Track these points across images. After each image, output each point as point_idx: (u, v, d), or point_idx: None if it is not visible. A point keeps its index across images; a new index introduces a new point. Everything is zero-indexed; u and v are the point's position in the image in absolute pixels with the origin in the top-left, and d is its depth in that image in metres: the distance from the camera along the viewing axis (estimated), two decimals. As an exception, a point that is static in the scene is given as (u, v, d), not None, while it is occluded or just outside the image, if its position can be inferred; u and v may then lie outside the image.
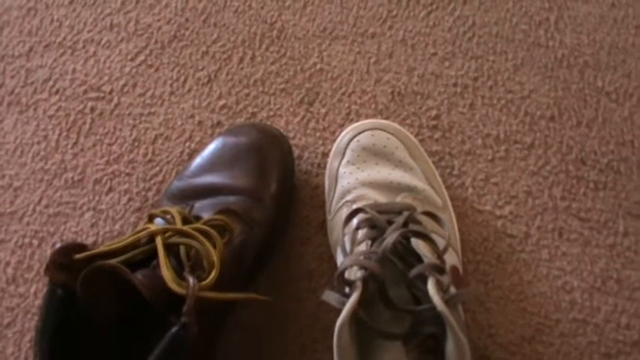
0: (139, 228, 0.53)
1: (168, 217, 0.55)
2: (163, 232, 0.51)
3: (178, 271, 0.49)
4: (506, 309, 0.63)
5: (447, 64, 0.74)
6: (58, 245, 0.48)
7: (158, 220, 0.55)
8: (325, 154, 0.70)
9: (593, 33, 0.75)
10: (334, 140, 0.70)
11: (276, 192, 0.63)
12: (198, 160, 0.65)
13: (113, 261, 0.48)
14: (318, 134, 0.71)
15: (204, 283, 0.49)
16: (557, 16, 0.76)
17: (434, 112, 0.72)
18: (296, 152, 0.71)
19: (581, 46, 0.74)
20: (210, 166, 0.63)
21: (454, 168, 0.69)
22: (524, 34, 0.75)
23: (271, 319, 0.64)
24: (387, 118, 0.71)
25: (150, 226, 0.52)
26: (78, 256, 0.48)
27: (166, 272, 0.48)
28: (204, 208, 0.59)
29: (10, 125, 0.75)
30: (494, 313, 0.63)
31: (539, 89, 0.72)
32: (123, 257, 0.49)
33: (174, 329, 0.45)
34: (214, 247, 0.53)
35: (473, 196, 0.68)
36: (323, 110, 0.73)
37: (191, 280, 0.48)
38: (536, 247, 0.65)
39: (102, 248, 0.49)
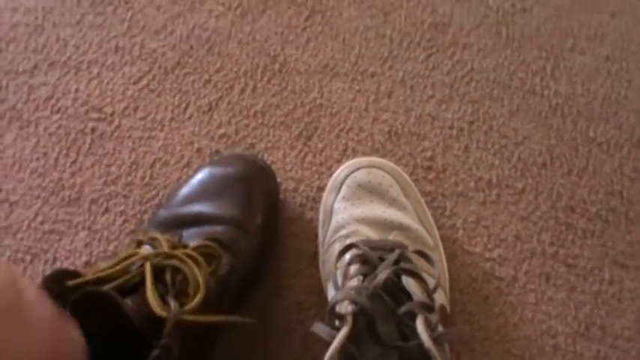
0: (128, 253, 0.53)
1: (156, 243, 0.55)
2: (154, 256, 0.52)
3: (163, 296, 0.50)
4: (491, 350, 0.64)
5: (444, 106, 0.76)
6: (50, 271, 0.49)
7: (146, 247, 0.56)
8: (320, 189, 0.71)
9: (588, 84, 0.77)
10: (330, 175, 0.71)
11: (262, 223, 0.64)
12: (185, 190, 0.65)
13: (104, 287, 0.49)
14: (314, 168, 0.73)
15: (188, 307, 0.50)
16: (554, 66, 0.78)
17: (429, 153, 0.73)
18: (292, 185, 0.72)
19: (576, 96, 0.76)
20: (197, 196, 0.64)
21: (446, 209, 0.70)
22: (521, 82, 0.77)
23: (259, 349, 0.64)
24: (382, 157, 0.73)
25: (139, 251, 0.53)
26: (70, 282, 0.49)
27: (151, 296, 0.48)
28: (191, 237, 0.59)
29: (10, 140, 0.76)
30: (479, 354, 0.64)
31: (533, 136, 0.74)
32: (114, 284, 0.50)
33: (154, 352, 0.46)
34: (200, 272, 0.53)
35: (463, 238, 0.69)
36: (320, 145, 0.74)
37: (172, 302, 0.49)
38: (523, 290, 0.66)
39: (93, 275, 0.50)
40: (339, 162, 0.73)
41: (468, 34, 0.80)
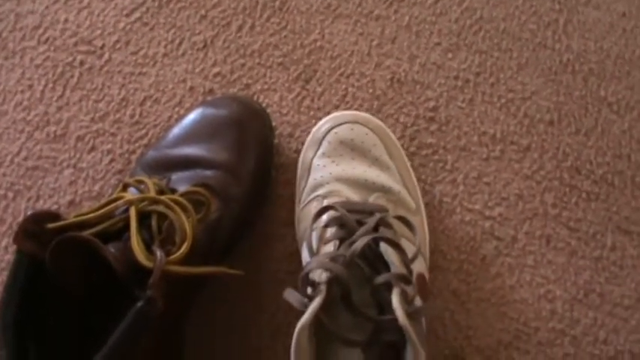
0: (113, 196, 0.51)
1: (142, 187, 0.53)
2: (139, 201, 0.50)
3: (148, 244, 0.48)
4: (486, 312, 0.62)
5: (450, 55, 0.73)
6: (29, 212, 0.47)
7: (132, 190, 0.54)
8: (318, 135, 0.68)
9: (601, 41, 0.74)
10: (328, 122, 0.68)
11: (254, 168, 0.61)
12: (175, 131, 0.63)
13: (86, 232, 0.46)
14: (311, 113, 0.70)
15: (173, 256, 0.48)
16: (567, 19, 0.75)
17: (432, 104, 0.70)
18: (287, 130, 0.69)
19: (588, 53, 0.73)
20: (188, 138, 0.61)
21: (447, 163, 0.68)
22: (532, 34, 0.74)
23: (247, 298, 0.62)
24: (383, 105, 0.70)
25: (125, 195, 0.51)
26: (51, 225, 0.46)
27: (136, 245, 0.46)
28: (180, 181, 0.57)
29: (-6, 70, 0.73)
30: (474, 314, 0.62)
31: (541, 92, 0.71)
32: (96, 229, 0.48)
33: (139, 304, 0.44)
34: (188, 220, 0.51)
35: (463, 194, 0.66)
36: (319, 89, 0.71)
37: (159, 253, 0.47)
38: (522, 252, 0.64)
39: (75, 219, 0.48)
40: (338, 108, 0.70)
41: (479, -19, 0.77)
